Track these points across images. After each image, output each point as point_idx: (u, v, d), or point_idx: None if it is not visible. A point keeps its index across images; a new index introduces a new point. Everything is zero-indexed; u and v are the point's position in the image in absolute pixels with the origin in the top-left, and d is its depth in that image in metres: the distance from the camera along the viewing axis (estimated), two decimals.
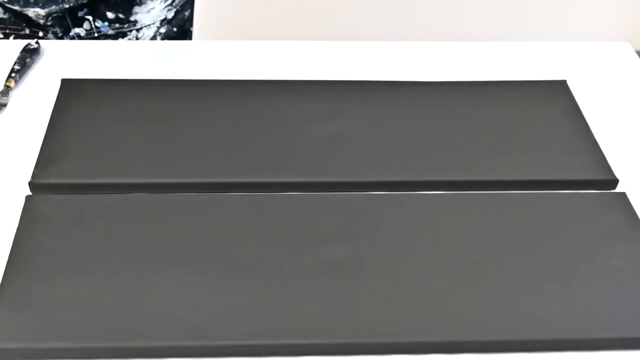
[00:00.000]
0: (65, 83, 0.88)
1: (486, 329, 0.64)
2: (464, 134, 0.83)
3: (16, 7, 1.00)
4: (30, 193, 0.75)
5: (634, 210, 0.75)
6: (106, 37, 1.05)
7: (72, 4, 0.99)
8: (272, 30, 2.22)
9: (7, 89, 0.87)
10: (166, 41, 1.04)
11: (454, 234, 0.72)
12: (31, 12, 0.99)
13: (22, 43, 0.94)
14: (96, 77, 0.89)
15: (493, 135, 0.83)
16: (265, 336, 0.63)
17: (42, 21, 1.01)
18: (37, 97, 0.87)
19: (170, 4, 1.07)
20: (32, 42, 0.94)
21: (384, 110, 0.86)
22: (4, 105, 0.86)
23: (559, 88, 0.91)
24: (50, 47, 0.95)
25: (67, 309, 0.63)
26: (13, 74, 0.89)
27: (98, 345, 0.62)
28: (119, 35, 1.05)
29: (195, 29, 1.20)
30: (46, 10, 0.99)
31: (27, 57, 0.91)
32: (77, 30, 1.03)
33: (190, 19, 1.15)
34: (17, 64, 0.90)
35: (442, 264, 0.69)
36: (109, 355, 0.62)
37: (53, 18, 1.01)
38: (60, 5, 0.98)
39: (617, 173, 0.80)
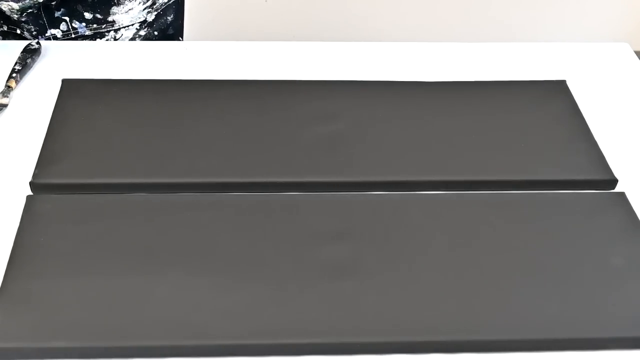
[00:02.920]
0: (66, 83, 0.88)
1: (486, 329, 0.64)
2: (464, 134, 0.83)
3: None
4: (31, 193, 0.75)
5: (633, 210, 0.75)
6: (84, 38, 1.04)
7: None
8: (273, 31, 2.22)
9: (8, 89, 0.87)
10: (166, 42, 1.05)
11: (453, 234, 0.72)
12: (4, 5, 0.98)
13: (23, 43, 0.94)
14: (97, 77, 0.90)
15: (493, 135, 0.83)
16: (265, 336, 0.63)
17: (16, 16, 1.00)
18: (38, 97, 0.88)
19: (150, 7, 1.06)
20: (33, 42, 0.94)
21: (384, 110, 0.86)
22: (5, 105, 0.86)
23: (559, 88, 0.91)
24: (51, 47, 0.96)
25: (67, 308, 0.64)
26: (14, 74, 0.89)
27: (98, 345, 0.62)
28: (97, 36, 1.04)
29: (195, 30, 1.20)
30: (20, 4, 0.97)
31: (28, 58, 0.91)
32: (53, 31, 1.02)
33: (174, 25, 1.13)
34: (18, 64, 0.90)
35: (441, 264, 0.69)
36: (109, 355, 0.62)
37: (28, 14, 1.00)
38: (34, 0, 0.97)
39: (616, 173, 0.80)
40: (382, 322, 0.64)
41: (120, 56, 0.95)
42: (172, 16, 1.11)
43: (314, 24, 2.22)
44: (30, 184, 0.75)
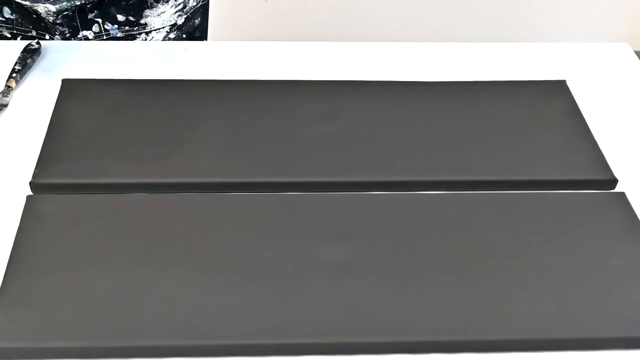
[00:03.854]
0: (66, 83, 0.88)
1: (486, 328, 0.64)
2: (464, 134, 0.83)
3: (27, 2, 0.99)
4: (31, 193, 0.75)
5: (633, 210, 0.75)
6: (115, 39, 1.05)
7: (83, 2, 0.99)
8: (273, 31, 2.22)
9: (8, 89, 0.87)
10: (166, 42, 1.05)
11: (453, 234, 0.72)
12: (41, 7, 0.98)
13: (23, 43, 0.94)
14: (96, 77, 0.90)
15: (493, 135, 0.83)
16: (265, 336, 0.63)
17: (51, 19, 1.00)
18: (38, 97, 0.88)
19: (181, 10, 1.07)
20: (33, 42, 0.94)
21: (384, 111, 0.86)
22: (5, 105, 0.86)
23: (559, 88, 0.91)
24: (51, 47, 0.96)
25: (67, 308, 0.64)
26: (14, 74, 0.89)
27: (98, 345, 0.62)
28: (128, 37, 1.05)
29: None
30: (57, 6, 0.98)
31: (28, 58, 0.91)
32: (85, 32, 1.03)
33: (200, 28, 1.14)
34: (18, 64, 0.90)
35: (441, 264, 0.69)
36: (109, 355, 0.62)
37: (63, 17, 1.01)
38: (72, 2, 0.97)
39: (616, 173, 0.80)
40: (382, 322, 0.64)
41: (120, 56, 0.95)
42: (199, 19, 1.12)
43: (314, 24, 2.22)
44: (30, 184, 0.75)
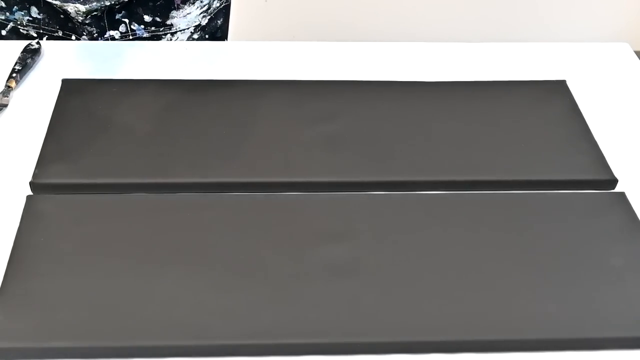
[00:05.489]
0: (66, 83, 0.88)
1: (486, 328, 0.64)
2: (464, 134, 0.83)
3: (56, 2, 0.99)
4: (31, 193, 0.75)
5: (633, 210, 0.75)
6: (141, 39, 1.05)
7: (112, 2, 0.99)
8: (273, 31, 2.22)
9: (8, 89, 0.87)
10: (164, 42, 1.05)
11: (453, 234, 0.72)
12: (71, 7, 0.99)
13: (23, 43, 0.94)
14: (96, 77, 0.90)
15: (493, 135, 0.83)
16: (265, 336, 0.63)
17: (80, 19, 1.01)
18: (38, 97, 0.88)
19: (206, 11, 1.08)
20: (33, 42, 0.94)
21: (384, 110, 0.86)
22: (5, 105, 0.86)
23: (559, 88, 0.91)
24: (51, 47, 0.96)
25: (67, 308, 0.64)
26: (14, 74, 0.89)
27: (98, 345, 0.62)
28: (154, 38, 1.06)
29: None
30: (87, 6, 0.98)
31: (28, 58, 0.91)
32: (112, 32, 1.03)
33: (222, 28, 1.15)
34: (18, 64, 0.90)
35: (441, 264, 0.69)
36: (109, 355, 0.62)
37: (91, 17, 1.01)
38: (102, 3, 0.98)
39: (616, 173, 0.80)
40: (382, 322, 0.64)
41: (120, 56, 0.95)
42: (221, 20, 1.13)
43: (314, 24, 2.22)
44: (30, 184, 0.75)
